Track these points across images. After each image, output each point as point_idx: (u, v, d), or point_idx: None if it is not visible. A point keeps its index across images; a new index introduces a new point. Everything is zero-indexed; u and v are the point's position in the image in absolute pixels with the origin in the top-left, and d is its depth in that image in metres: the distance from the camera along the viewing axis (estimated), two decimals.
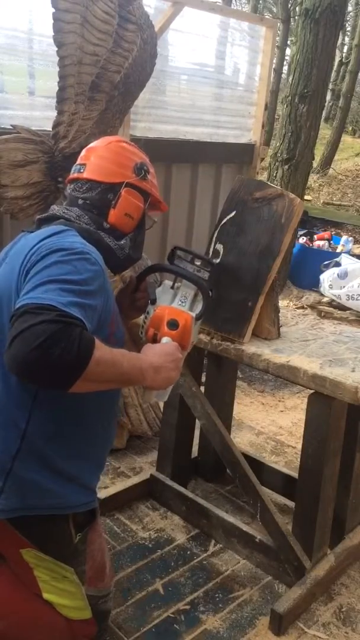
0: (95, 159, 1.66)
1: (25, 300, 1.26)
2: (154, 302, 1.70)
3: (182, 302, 1.71)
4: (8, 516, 1.50)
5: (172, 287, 1.77)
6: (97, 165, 1.65)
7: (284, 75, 16.57)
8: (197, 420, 2.57)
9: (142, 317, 1.74)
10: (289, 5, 16.04)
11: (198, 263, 1.88)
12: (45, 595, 1.60)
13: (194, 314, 1.68)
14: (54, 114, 2.62)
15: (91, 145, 1.73)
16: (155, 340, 1.62)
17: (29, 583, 1.61)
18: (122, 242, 1.65)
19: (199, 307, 1.74)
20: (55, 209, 1.65)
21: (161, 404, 2.84)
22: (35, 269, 1.35)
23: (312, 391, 2.04)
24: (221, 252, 2.25)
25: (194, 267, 1.83)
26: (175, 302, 1.71)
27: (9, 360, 1.21)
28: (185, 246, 2.03)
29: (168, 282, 1.78)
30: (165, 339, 1.59)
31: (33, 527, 1.55)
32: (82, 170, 1.66)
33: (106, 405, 1.62)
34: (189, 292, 1.74)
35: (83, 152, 1.71)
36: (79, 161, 1.70)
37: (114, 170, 1.64)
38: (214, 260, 2.21)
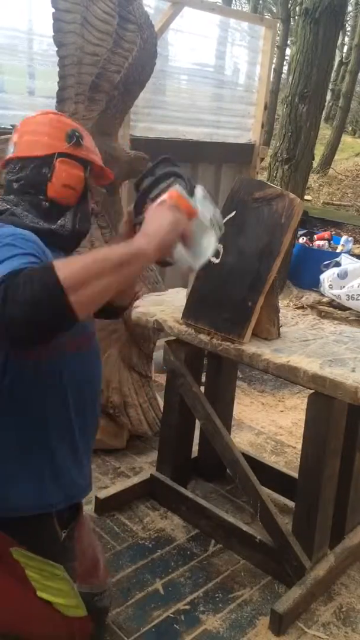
0: (23, 136, 1.56)
1: None
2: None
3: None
4: None
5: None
6: (26, 141, 1.55)
7: (284, 75, 16.57)
8: (197, 420, 2.57)
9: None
10: (289, 5, 16.04)
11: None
12: (39, 594, 1.61)
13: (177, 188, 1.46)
14: None
15: (18, 125, 1.61)
16: None
17: (22, 582, 1.61)
18: (62, 220, 1.56)
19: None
20: None
21: (161, 404, 2.84)
22: None
23: (312, 391, 2.04)
24: (221, 252, 2.25)
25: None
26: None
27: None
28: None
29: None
30: None
31: (18, 527, 1.55)
32: (12, 151, 1.56)
33: (70, 393, 1.56)
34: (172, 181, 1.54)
35: (14, 131, 1.60)
36: (11, 139, 1.59)
37: (44, 142, 1.54)
38: (214, 260, 2.19)
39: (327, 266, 3.24)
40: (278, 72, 15.52)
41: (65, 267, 1.16)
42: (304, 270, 5.82)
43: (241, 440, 3.26)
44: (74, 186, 1.56)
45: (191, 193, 1.50)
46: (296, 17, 12.03)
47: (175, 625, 2.04)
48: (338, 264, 3.19)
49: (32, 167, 1.53)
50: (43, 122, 1.58)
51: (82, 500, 1.73)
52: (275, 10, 19.46)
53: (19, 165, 1.54)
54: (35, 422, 1.52)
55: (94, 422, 1.73)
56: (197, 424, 2.62)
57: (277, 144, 5.18)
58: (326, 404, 2.00)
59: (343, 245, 6.76)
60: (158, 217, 1.34)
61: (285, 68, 16.35)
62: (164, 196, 1.42)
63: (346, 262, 3.47)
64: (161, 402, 2.82)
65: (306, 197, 9.75)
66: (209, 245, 1.49)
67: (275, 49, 5.42)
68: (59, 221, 1.56)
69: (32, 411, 1.51)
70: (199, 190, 1.55)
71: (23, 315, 1.12)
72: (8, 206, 1.53)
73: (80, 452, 1.65)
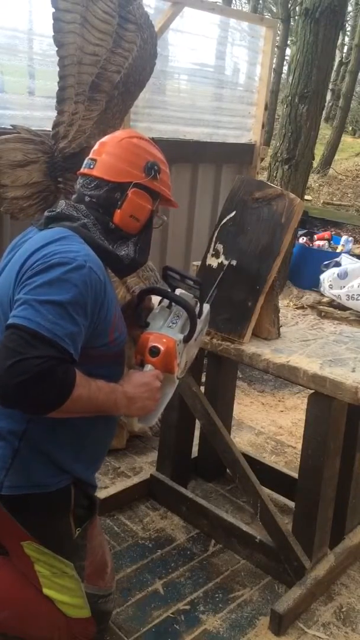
0: (106, 156, 1.62)
1: (20, 319, 1.30)
2: (144, 326, 1.70)
3: (174, 322, 1.70)
4: (13, 492, 1.51)
5: (168, 307, 1.76)
6: (107, 163, 1.61)
7: (284, 75, 16.57)
8: (197, 420, 2.57)
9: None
10: (289, 5, 16.04)
11: (189, 282, 1.84)
12: (45, 591, 1.61)
13: (180, 337, 1.65)
14: (54, 114, 2.62)
15: (104, 139, 1.68)
16: (142, 366, 1.64)
17: (29, 577, 1.61)
18: (126, 249, 1.63)
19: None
20: (62, 205, 1.61)
21: None
22: (35, 281, 1.36)
23: (312, 391, 2.04)
24: (221, 252, 2.25)
25: (186, 286, 1.81)
26: (167, 323, 1.70)
27: None
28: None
29: (166, 302, 1.77)
30: (147, 367, 1.61)
31: (34, 519, 1.56)
32: (92, 167, 1.62)
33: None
34: (182, 311, 1.72)
35: (96, 146, 1.67)
36: (91, 155, 1.66)
37: (123, 169, 1.60)
38: (217, 260, 2.18)
39: (327, 266, 3.23)
40: (278, 72, 15.54)
41: (78, 390, 1.34)
42: (304, 270, 5.80)
43: (241, 440, 3.26)
44: (139, 218, 1.63)
45: (193, 325, 1.68)
46: (296, 17, 12.03)
47: (175, 625, 2.04)
48: (338, 264, 3.18)
49: (106, 189, 1.60)
50: (126, 148, 1.63)
51: (97, 501, 1.75)
52: (275, 10, 19.47)
53: (95, 183, 1.61)
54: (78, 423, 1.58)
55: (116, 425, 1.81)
56: (197, 424, 2.62)
57: (277, 144, 5.17)
58: (326, 404, 2.00)
59: (343, 245, 6.74)
60: (145, 393, 1.54)
61: (285, 68, 16.34)
62: (161, 342, 1.61)
63: (346, 262, 3.46)
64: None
65: (306, 197, 9.75)
66: (165, 401, 1.69)
67: (275, 49, 5.42)
68: (124, 250, 1.63)
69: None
70: (199, 325, 1.74)
71: (9, 391, 1.27)
72: (79, 215, 1.58)
73: (101, 455, 1.75)
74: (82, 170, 1.66)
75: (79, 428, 1.57)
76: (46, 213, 1.60)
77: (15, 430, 1.51)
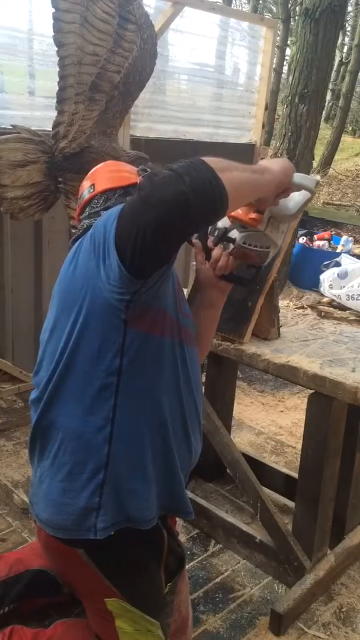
0: (101, 174, 1.66)
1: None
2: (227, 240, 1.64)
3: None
4: (109, 533, 1.41)
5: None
6: (107, 178, 1.65)
7: (284, 75, 16.57)
8: None
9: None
10: (289, 5, 16.04)
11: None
12: None
13: None
14: (54, 114, 2.62)
15: (90, 171, 1.73)
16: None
17: (107, 633, 1.53)
18: None
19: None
20: (85, 223, 1.61)
21: None
22: (107, 230, 1.33)
23: (312, 391, 2.04)
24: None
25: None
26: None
27: (152, 219, 1.19)
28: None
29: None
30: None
31: (124, 569, 1.48)
32: (92, 190, 1.64)
33: (187, 389, 1.54)
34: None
35: (85, 179, 1.71)
36: (85, 186, 1.68)
37: (125, 175, 1.65)
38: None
39: (327, 266, 3.24)
40: (278, 72, 15.53)
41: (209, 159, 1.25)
42: (304, 270, 5.82)
43: (241, 440, 3.26)
44: None
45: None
46: (296, 17, 12.04)
47: None
48: (338, 264, 3.20)
49: (116, 196, 1.60)
50: (116, 163, 1.75)
51: (185, 557, 1.68)
52: (275, 10, 19.47)
53: (104, 197, 1.62)
54: (155, 410, 1.45)
55: (198, 438, 1.64)
56: None
57: (277, 144, 5.18)
58: (326, 404, 2.00)
59: (343, 245, 6.76)
60: (277, 160, 1.48)
61: (285, 68, 16.34)
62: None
63: (346, 262, 3.48)
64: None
65: None
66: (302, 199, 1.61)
67: (276, 49, 5.42)
68: None
69: (150, 395, 1.44)
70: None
71: (176, 199, 1.17)
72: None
73: (181, 464, 1.56)
74: (84, 200, 1.65)
75: (143, 445, 1.44)
76: (71, 240, 1.60)
77: (96, 466, 1.40)
